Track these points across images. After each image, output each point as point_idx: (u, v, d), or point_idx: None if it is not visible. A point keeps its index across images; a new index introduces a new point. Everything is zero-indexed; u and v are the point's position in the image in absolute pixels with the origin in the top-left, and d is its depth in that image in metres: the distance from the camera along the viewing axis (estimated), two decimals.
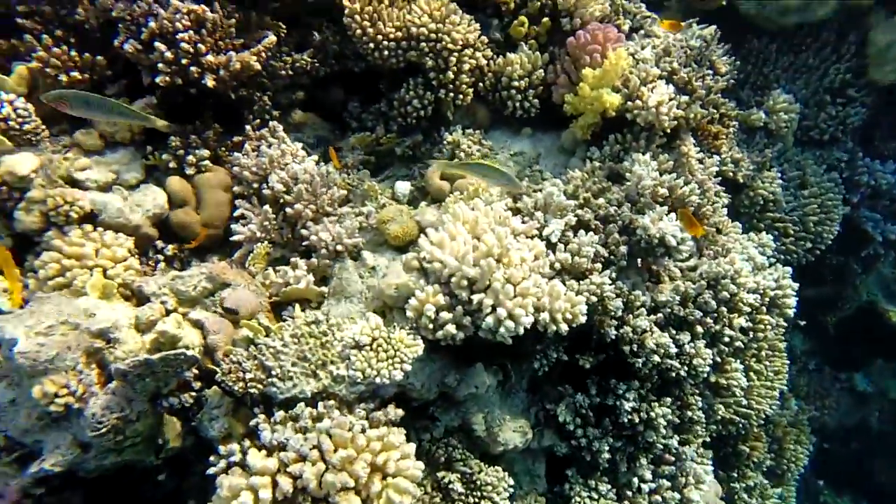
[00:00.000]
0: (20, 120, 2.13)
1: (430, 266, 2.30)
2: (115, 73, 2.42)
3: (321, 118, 3.22)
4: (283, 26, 2.78)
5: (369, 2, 2.90)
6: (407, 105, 3.05)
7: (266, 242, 2.54)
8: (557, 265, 2.54)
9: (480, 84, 3.17)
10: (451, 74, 2.96)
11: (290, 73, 2.84)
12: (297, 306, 2.49)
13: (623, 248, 2.63)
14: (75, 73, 2.29)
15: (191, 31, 2.31)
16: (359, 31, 2.88)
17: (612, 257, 2.66)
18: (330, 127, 3.25)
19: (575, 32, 3.09)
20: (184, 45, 2.30)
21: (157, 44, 2.28)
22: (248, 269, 2.52)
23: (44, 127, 2.24)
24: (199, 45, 2.34)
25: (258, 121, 2.79)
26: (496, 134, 3.30)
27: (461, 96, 3.05)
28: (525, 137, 3.28)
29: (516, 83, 3.09)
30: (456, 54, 2.92)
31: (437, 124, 3.18)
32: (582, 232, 2.59)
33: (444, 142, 3.09)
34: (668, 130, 2.93)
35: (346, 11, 2.88)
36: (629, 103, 2.91)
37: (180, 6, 2.29)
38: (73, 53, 2.27)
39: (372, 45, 2.89)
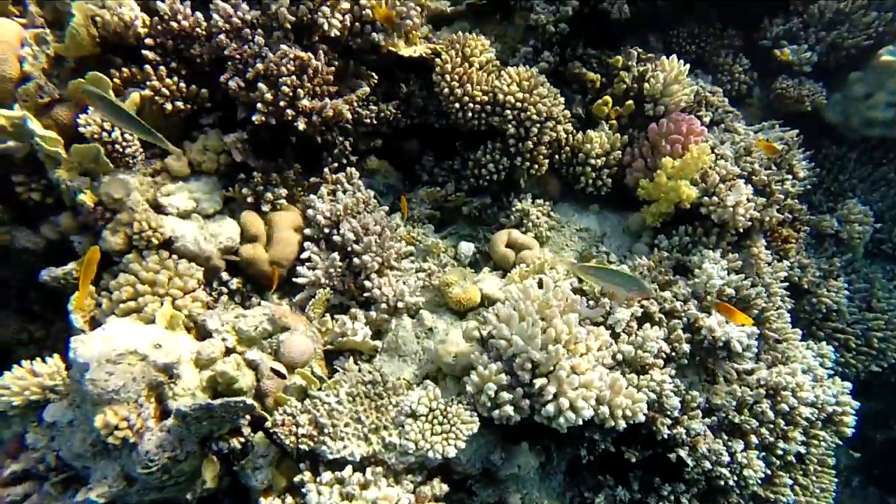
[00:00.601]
0: (125, 144, 2.17)
1: (495, 342, 2.26)
2: (213, 104, 2.46)
3: (393, 166, 3.25)
4: (375, 77, 2.82)
5: (460, 63, 2.94)
6: (481, 167, 3.06)
7: (328, 289, 2.53)
8: (619, 356, 2.48)
9: (556, 156, 3.17)
10: (530, 144, 2.97)
11: (375, 122, 2.87)
12: (351, 359, 2.46)
13: (686, 347, 2.57)
14: (179, 103, 2.34)
15: (293, 76, 2.35)
16: (446, 91, 2.92)
17: (673, 354, 2.59)
18: (400, 176, 3.27)
19: (658, 119, 3.10)
20: (285, 88, 2.34)
21: (260, 84, 2.32)
22: (306, 314, 2.51)
23: (141, 150, 2.28)
24: (299, 89, 2.38)
25: (336, 164, 2.81)
26: (564, 206, 3.29)
27: (536, 166, 3.05)
28: (592, 214, 3.26)
29: (593, 161, 3.09)
30: (538, 125, 2.94)
31: (507, 189, 3.18)
32: (647, 325, 2.54)
33: (513, 208, 3.09)
34: (741, 230, 2.89)
35: (437, 69, 2.92)
36: (706, 198, 2.88)
37: (288, 51, 2.34)
38: (182, 85, 2.32)
39: (457, 105, 2.92)
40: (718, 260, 2.78)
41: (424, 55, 2.91)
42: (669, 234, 3.03)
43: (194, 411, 1.82)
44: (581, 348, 2.26)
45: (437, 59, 2.94)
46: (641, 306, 2.60)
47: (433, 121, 3.14)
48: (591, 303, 2.62)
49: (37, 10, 2.13)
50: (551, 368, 2.20)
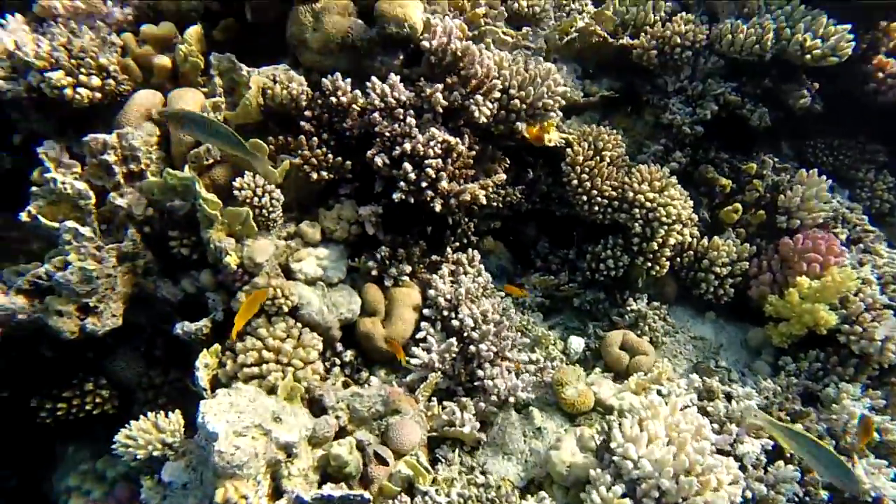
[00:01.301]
0: (271, 209, 2.21)
1: (619, 461, 2.10)
2: (352, 175, 2.50)
3: (507, 248, 3.21)
4: (507, 161, 2.81)
5: (592, 156, 2.90)
6: (599, 261, 2.97)
7: (439, 373, 2.45)
8: (749, 493, 2.26)
9: (678, 258, 3.05)
10: (654, 245, 2.87)
11: (501, 205, 2.85)
12: (455, 451, 2.35)
13: (824, 494, 2.32)
14: (324, 173, 2.38)
15: (439, 159, 2.36)
16: (574, 182, 2.88)
17: (806, 498, 2.35)
18: (512, 258, 3.22)
19: (791, 232, 2.94)
20: (429, 170, 2.35)
21: (405, 164, 2.34)
22: (414, 395, 2.43)
23: (281, 214, 2.32)
24: (441, 171, 2.38)
25: (457, 243, 2.79)
26: (678, 310, 3.14)
27: (657, 267, 2.94)
28: (708, 322, 3.09)
29: (717, 269, 2.95)
30: (666, 227, 2.84)
31: (621, 285, 3.07)
32: (780, 462, 2.32)
33: (628, 308, 2.96)
34: (886, 366, 2.65)
35: (568, 160, 2.90)
36: (845, 326, 2.67)
37: (437, 135, 2.37)
38: (330, 155, 2.37)
39: (585, 198, 2.87)
40: (859, 396, 2.55)
41: (557, 144, 2.89)
42: (796, 356, 2.83)
43: (315, 502, 1.75)
44: (712, 482, 2.07)
45: (569, 150, 2.92)
46: (773, 439, 2.39)
47: (555, 208, 3.10)
48: (714, 426, 2.43)
49: (219, 81, 2.25)
50: (680, 501, 2.02)
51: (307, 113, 2.37)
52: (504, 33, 2.94)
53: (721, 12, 3.15)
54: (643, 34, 3.12)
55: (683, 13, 3.15)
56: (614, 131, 3.00)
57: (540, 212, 3.14)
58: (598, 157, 2.92)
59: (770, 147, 3.32)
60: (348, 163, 2.44)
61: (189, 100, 2.20)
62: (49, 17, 2.34)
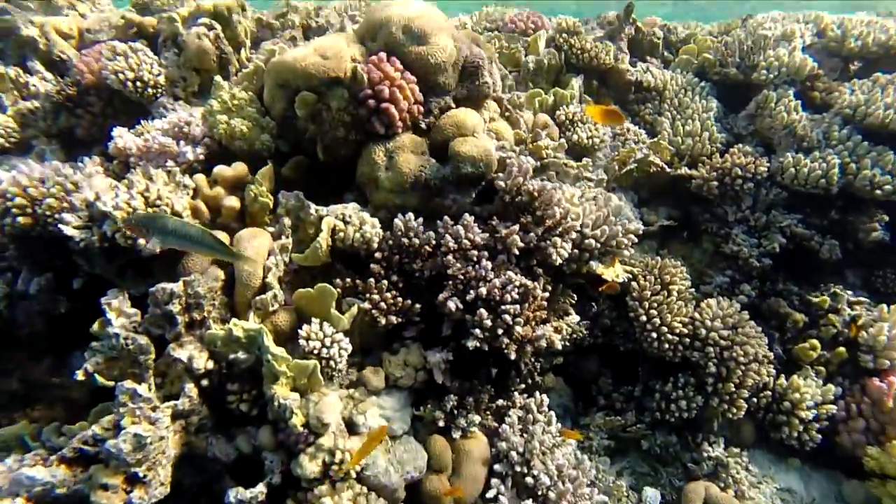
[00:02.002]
0: (338, 359, 2.04)
1: None
2: (419, 316, 2.34)
3: (566, 384, 3.00)
4: (575, 297, 2.67)
5: (658, 291, 2.77)
6: (669, 401, 2.75)
7: None
8: None
9: (754, 399, 2.84)
10: (731, 386, 2.67)
11: (567, 343, 2.68)
12: None
13: None
14: (392, 318, 2.23)
15: (516, 304, 2.22)
16: (643, 318, 2.73)
17: None
18: (573, 395, 3.01)
19: (878, 373, 2.75)
20: (506, 316, 2.19)
21: (481, 310, 2.19)
22: None
23: (345, 361, 2.14)
24: (518, 317, 2.23)
25: (523, 385, 2.59)
26: (757, 455, 2.89)
27: (735, 410, 2.72)
28: (793, 470, 2.82)
29: (802, 413, 2.73)
30: (743, 367, 2.65)
31: (693, 427, 2.83)
32: None
33: (704, 454, 2.71)
34: None
35: (634, 294, 2.77)
36: None
37: (514, 278, 2.24)
38: (399, 299, 2.23)
39: (654, 335, 2.71)
40: None
41: (621, 278, 2.77)
42: None
43: None
44: None
45: (634, 284, 2.80)
46: None
47: (618, 342, 2.92)
48: None
49: (287, 221, 2.15)
50: None
51: (377, 255, 2.26)
52: (566, 164, 2.90)
53: (778, 144, 3.15)
54: (702, 165, 3.09)
55: (740, 145, 3.14)
56: (679, 264, 2.90)
57: (602, 346, 2.97)
58: (665, 292, 2.79)
59: (835, 276, 3.20)
60: (417, 306, 2.29)
61: (257, 241, 2.09)
62: (122, 156, 2.29)
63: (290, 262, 2.18)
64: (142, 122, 2.54)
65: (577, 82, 3.30)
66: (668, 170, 3.14)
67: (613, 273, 2.75)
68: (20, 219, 1.84)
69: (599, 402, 2.94)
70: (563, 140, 3.03)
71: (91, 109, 2.74)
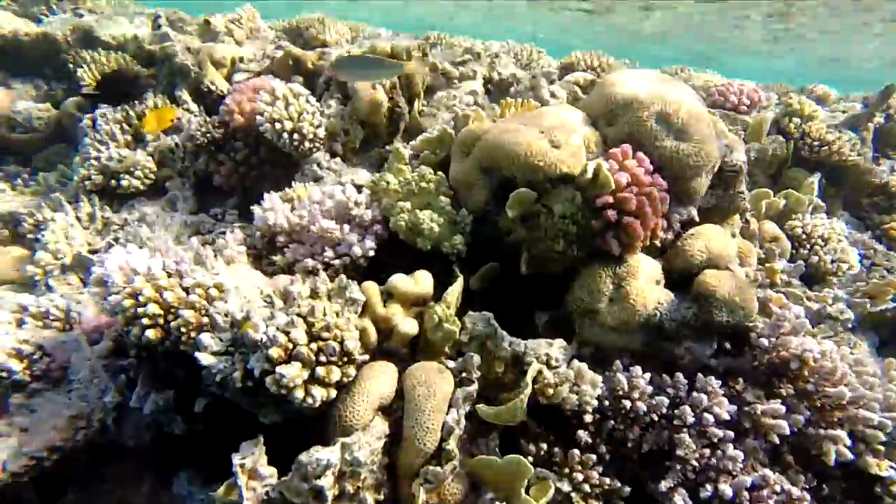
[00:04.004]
0: None
1: None
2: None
3: None
4: None
5: None
6: None
7: None
8: None
9: None
10: None
11: None
12: None
13: None
14: (593, 501, 1.61)
15: None
16: None
17: None
18: None
19: None
20: None
21: None
22: None
23: None
24: None
25: None
26: None
27: None
28: None
29: None
30: None
31: None
32: None
33: None
34: None
35: None
36: None
37: (772, 479, 1.57)
38: (605, 479, 1.61)
39: None
40: None
41: None
42: None
43: None
44: None
45: None
46: None
47: None
48: None
49: (476, 360, 1.61)
50: None
51: (587, 417, 1.65)
52: (807, 297, 2.20)
53: None
54: None
55: None
56: None
57: None
58: None
59: None
60: (626, 489, 1.66)
61: (439, 387, 1.53)
62: (269, 234, 1.80)
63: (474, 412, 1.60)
64: (295, 184, 2.07)
65: (814, 182, 2.59)
66: None
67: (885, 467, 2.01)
68: (149, 332, 1.37)
69: None
70: (800, 262, 2.33)
71: (234, 156, 2.31)
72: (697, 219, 1.89)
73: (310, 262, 1.75)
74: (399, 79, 2.29)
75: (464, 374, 1.66)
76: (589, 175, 1.62)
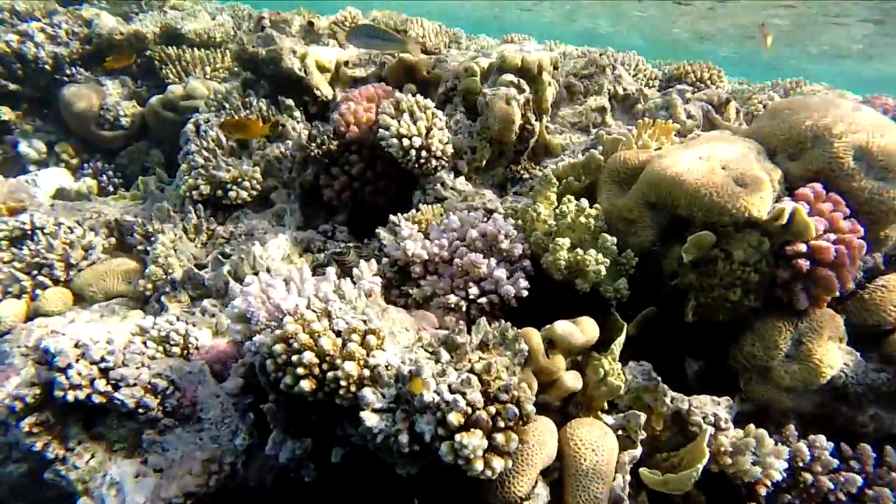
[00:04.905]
0: None
1: None
2: None
3: None
4: None
5: None
6: None
7: None
8: None
9: None
10: None
11: None
12: None
13: None
14: None
15: None
16: None
17: None
18: None
19: None
20: None
21: None
22: None
23: None
24: None
25: None
26: None
27: None
28: None
29: None
30: None
31: None
32: None
33: None
34: None
35: None
36: None
37: None
38: None
39: None
40: None
41: None
42: None
43: None
44: None
45: None
46: None
47: None
48: None
49: (641, 419, 1.44)
50: None
51: (760, 490, 1.46)
52: None
53: None
54: None
55: None
56: None
57: None
58: None
59: None
60: None
61: (606, 451, 1.37)
62: (406, 263, 1.67)
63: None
64: (422, 206, 1.93)
65: None
66: None
67: None
68: (304, 383, 1.24)
69: None
70: None
71: (349, 170, 2.18)
72: (883, 267, 1.68)
73: (452, 299, 1.61)
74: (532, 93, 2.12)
75: (624, 433, 1.50)
76: (784, 220, 1.42)
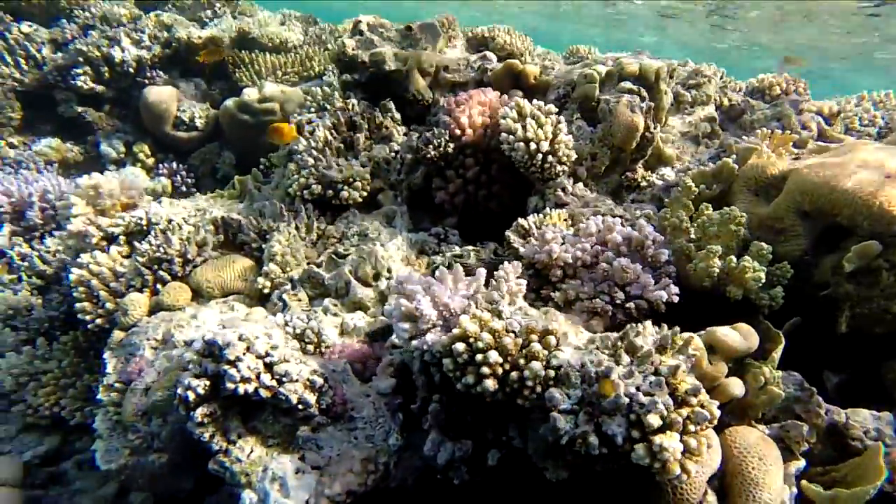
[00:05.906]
0: None
1: None
2: None
3: None
4: None
5: None
6: None
7: None
8: None
9: None
10: None
11: None
12: None
13: None
14: None
15: None
16: None
17: None
18: None
19: None
20: None
21: None
22: None
23: None
24: None
25: None
26: None
27: None
28: None
29: None
30: None
31: None
32: None
33: None
34: None
35: None
36: None
37: None
38: None
39: None
40: None
41: None
42: None
43: None
44: None
45: None
46: None
47: None
48: None
49: (802, 430, 1.42)
50: None
51: None
52: None
53: None
54: None
55: None
56: None
57: None
58: None
59: None
60: None
61: (773, 460, 1.35)
62: (545, 266, 1.66)
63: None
64: (550, 211, 1.93)
65: None
66: None
67: None
68: (488, 382, 1.24)
69: None
70: None
71: (464, 174, 2.19)
72: None
73: (598, 303, 1.60)
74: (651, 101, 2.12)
75: (782, 444, 1.48)
76: None
